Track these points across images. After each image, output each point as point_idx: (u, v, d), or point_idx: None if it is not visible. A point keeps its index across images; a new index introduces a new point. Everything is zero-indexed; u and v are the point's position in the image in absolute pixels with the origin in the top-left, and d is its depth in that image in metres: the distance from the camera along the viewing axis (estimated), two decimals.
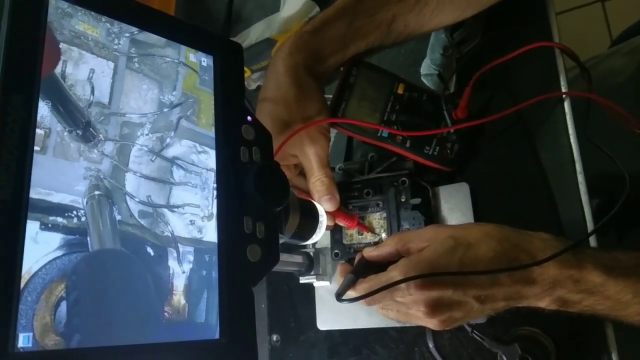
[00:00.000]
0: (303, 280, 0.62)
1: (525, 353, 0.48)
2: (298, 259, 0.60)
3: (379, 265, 0.53)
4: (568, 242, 0.47)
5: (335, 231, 0.61)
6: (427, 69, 0.64)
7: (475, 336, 0.52)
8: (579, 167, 0.55)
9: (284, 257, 0.58)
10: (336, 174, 0.65)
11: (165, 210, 0.31)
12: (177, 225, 0.31)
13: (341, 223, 0.58)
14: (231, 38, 0.82)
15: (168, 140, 0.32)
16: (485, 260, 0.46)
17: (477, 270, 0.45)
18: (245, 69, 0.77)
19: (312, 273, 0.62)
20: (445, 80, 0.60)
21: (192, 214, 0.32)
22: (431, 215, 0.58)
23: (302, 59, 0.51)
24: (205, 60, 0.36)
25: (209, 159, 0.34)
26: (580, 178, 0.54)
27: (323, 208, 0.54)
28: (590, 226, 0.53)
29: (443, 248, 0.47)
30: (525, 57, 0.57)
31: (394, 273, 0.47)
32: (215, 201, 0.33)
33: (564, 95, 0.56)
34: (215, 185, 0.33)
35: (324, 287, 0.63)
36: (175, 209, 0.31)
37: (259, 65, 0.75)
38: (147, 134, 0.31)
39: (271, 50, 0.73)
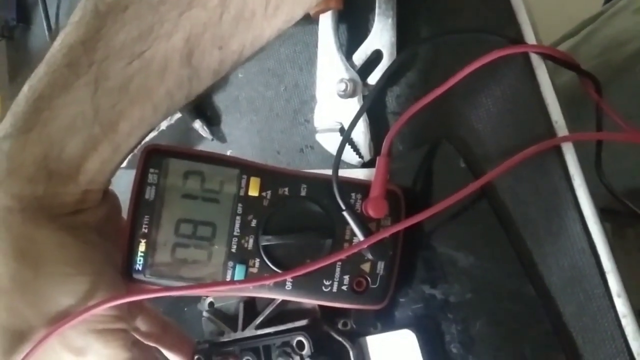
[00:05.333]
0: None
1: None
2: None
3: None
4: None
5: None
6: (322, 121, 0.37)
7: None
8: (613, 282, 0.28)
9: None
10: (204, 315, 0.39)
11: None
12: None
13: None
14: None
15: None
16: None
17: None
18: None
19: None
20: (342, 142, 0.33)
21: None
22: None
23: (14, 197, 0.25)
24: None
25: None
26: (621, 304, 0.28)
27: None
28: None
29: None
30: (481, 81, 0.31)
31: None
32: None
33: (562, 144, 0.29)
34: None
35: None
36: None
37: None
38: None
39: None
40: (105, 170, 0.27)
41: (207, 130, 0.45)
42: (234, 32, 0.26)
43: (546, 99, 0.30)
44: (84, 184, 0.26)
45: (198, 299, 0.41)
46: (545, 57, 0.31)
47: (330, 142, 0.37)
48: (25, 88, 0.25)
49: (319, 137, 0.38)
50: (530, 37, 0.30)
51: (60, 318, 0.25)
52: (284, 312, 0.34)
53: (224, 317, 0.37)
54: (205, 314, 0.38)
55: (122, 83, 0.25)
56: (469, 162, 0.32)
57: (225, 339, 0.36)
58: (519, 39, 0.31)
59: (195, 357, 0.36)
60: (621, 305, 0.28)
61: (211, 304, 0.39)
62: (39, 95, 0.25)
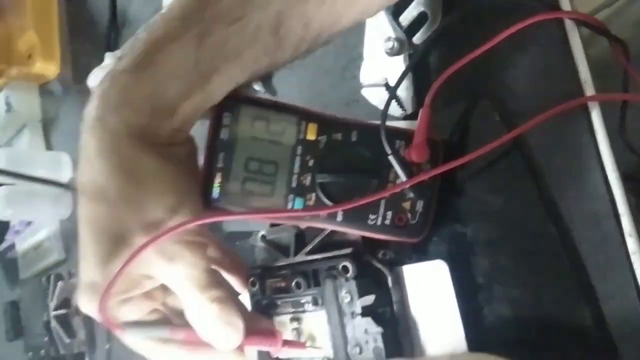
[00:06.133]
0: None
1: None
2: None
3: None
4: None
5: None
6: (369, 76, 0.41)
7: None
8: (626, 223, 0.32)
9: None
10: (257, 246, 0.44)
11: None
12: None
13: (258, 349, 0.38)
14: (115, 52, 0.60)
15: None
16: None
17: None
18: None
19: None
20: (389, 97, 0.37)
21: None
22: (394, 321, 0.36)
23: (123, 124, 0.30)
24: None
25: None
26: (632, 243, 0.32)
27: (220, 347, 0.34)
28: None
29: None
30: (518, 43, 0.35)
31: None
32: None
33: (589, 103, 0.33)
34: None
35: None
36: None
37: None
38: None
39: None
40: (195, 115, 0.31)
41: (260, 84, 0.50)
42: (316, 13, 0.30)
43: (577, 60, 0.33)
44: (177, 123, 0.31)
45: (249, 234, 0.46)
46: (579, 23, 0.34)
47: (375, 96, 0.41)
48: (144, 33, 0.30)
49: (365, 92, 0.42)
50: (565, 5, 0.33)
51: (154, 228, 0.30)
52: (331, 242, 0.39)
53: (276, 247, 0.43)
54: (259, 244, 0.43)
55: (221, 42, 0.29)
56: (503, 117, 0.36)
57: (277, 264, 0.41)
58: (555, 6, 0.34)
59: (250, 279, 0.41)
60: (632, 244, 0.32)
61: (263, 237, 0.44)
62: (155, 41, 0.30)
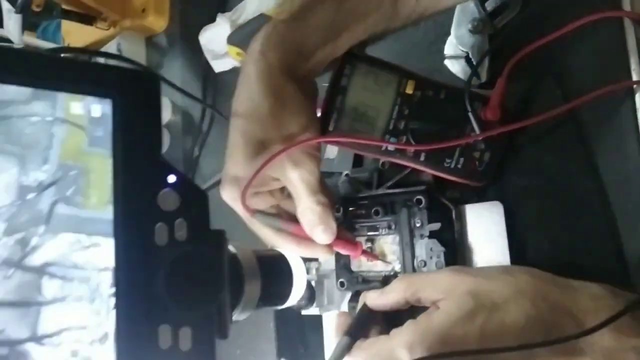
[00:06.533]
0: (306, 312, 0.53)
1: None
2: None
3: (385, 316, 0.43)
4: (628, 299, 0.35)
5: (341, 255, 0.51)
6: (453, 49, 0.50)
7: None
8: None
9: None
10: (342, 182, 0.54)
11: (30, 346, 0.22)
12: None
13: (342, 252, 0.48)
14: (226, 13, 0.70)
15: (35, 240, 0.23)
16: (515, 330, 0.35)
17: (503, 346, 0.34)
18: (239, 51, 0.65)
19: (315, 305, 0.52)
20: (474, 67, 0.46)
21: (76, 340, 0.23)
22: (454, 244, 0.46)
23: (278, 60, 0.40)
24: (99, 108, 0.25)
25: (103, 253, 0.24)
26: None
27: (317, 240, 0.44)
28: None
29: (460, 310, 0.36)
30: (583, 32, 0.43)
31: (396, 342, 0.37)
32: (112, 314, 0.24)
33: (634, 86, 0.41)
34: (112, 291, 0.24)
35: (333, 317, 0.54)
36: (47, 340, 0.22)
37: None
38: None
39: None
40: (324, 62, 0.41)
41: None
42: None
43: (629, 51, 0.42)
44: (311, 66, 0.41)
45: (331, 175, 0.56)
46: (635, 21, 0.42)
47: (456, 66, 0.50)
48: None
49: (447, 62, 0.51)
50: (626, 4, 0.42)
51: (289, 140, 0.40)
52: (407, 181, 0.49)
53: (358, 183, 0.52)
54: (343, 179, 0.53)
55: (353, 7, 0.39)
56: (563, 92, 0.44)
57: (359, 195, 0.51)
58: (617, 4, 0.42)
59: (337, 205, 0.51)
60: None
61: (347, 175, 0.54)
62: (307, 2, 0.39)
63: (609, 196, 0.42)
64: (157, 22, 0.81)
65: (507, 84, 0.43)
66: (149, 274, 0.25)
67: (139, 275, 0.25)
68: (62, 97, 0.24)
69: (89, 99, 0.25)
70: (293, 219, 0.44)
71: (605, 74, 0.43)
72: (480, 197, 0.47)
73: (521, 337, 0.35)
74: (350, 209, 0.51)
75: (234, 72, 0.70)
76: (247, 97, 0.40)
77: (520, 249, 0.45)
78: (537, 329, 0.35)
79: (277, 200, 0.45)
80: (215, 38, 0.71)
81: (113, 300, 0.24)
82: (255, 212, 0.42)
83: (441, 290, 0.39)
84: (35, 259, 0.23)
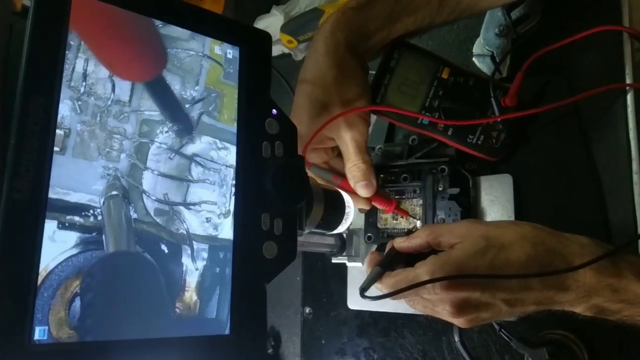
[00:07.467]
0: (335, 260, 0.62)
1: (553, 358, 0.47)
2: (330, 240, 0.60)
3: (409, 257, 0.52)
4: (608, 248, 0.44)
5: (370, 214, 0.60)
6: (480, 49, 0.60)
7: (503, 335, 0.50)
8: (635, 166, 0.50)
9: (315, 238, 0.58)
10: (375, 154, 0.63)
11: (182, 208, 0.31)
12: (192, 222, 0.31)
13: (379, 206, 0.57)
14: (280, 5, 0.80)
15: (188, 137, 0.32)
16: (516, 264, 0.44)
17: (506, 274, 0.44)
18: (292, 39, 0.75)
19: (345, 254, 0.62)
20: (497, 63, 0.56)
21: (209, 211, 0.32)
22: (469, 206, 0.55)
23: (344, 38, 0.49)
24: (231, 52, 0.35)
25: (229, 155, 0.34)
26: (636, 178, 0.50)
27: (360, 193, 0.53)
28: None
29: (474, 248, 0.45)
30: (589, 41, 0.52)
31: (420, 271, 0.46)
32: (233, 198, 0.33)
33: (627, 88, 0.51)
34: (234, 182, 0.34)
35: (356, 268, 0.63)
36: (192, 207, 0.31)
37: (305, 35, 0.73)
38: (166, 132, 0.31)
39: (318, 21, 0.71)
40: (379, 45, 0.51)
41: None
42: None
43: (625, 58, 0.51)
44: (369, 46, 0.50)
45: None
46: (633, 36, 0.52)
47: (482, 63, 0.60)
48: None
49: (475, 59, 0.60)
50: (625, 20, 0.52)
51: (347, 105, 0.49)
52: (434, 153, 0.58)
53: (390, 154, 0.62)
54: (377, 151, 0.63)
55: (408, 1, 0.49)
56: (569, 89, 0.54)
57: (391, 163, 0.60)
58: (618, 20, 0.52)
59: None
60: (636, 178, 0.50)
61: (380, 148, 0.63)
62: None
63: (600, 174, 0.52)
64: (214, 8, 0.91)
65: (524, 77, 0.53)
66: (257, 175, 0.35)
67: (250, 176, 0.35)
68: (208, 40, 0.34)
69: (225, 44, 0.35)
70: (341, 175, 0.53)
71: (605, 76, 0.53)
72: (493, 170, 0.56)
73: (522, 270, 0.44)
74: (382, 175, 0.61)
75: (283, 57, 0.80)
76: (315, 67, 0.50)
77: (523, 215, 0.55)
78: (535, 266, 0.44)
79: (329, 158, 0.55)
80: (267, 27, 0.81)
81: (234, 189, 0.34)
82: (311, 165, 0.51)
83: (458, 235, 0.48)
84: (188, 149, 0.32)
